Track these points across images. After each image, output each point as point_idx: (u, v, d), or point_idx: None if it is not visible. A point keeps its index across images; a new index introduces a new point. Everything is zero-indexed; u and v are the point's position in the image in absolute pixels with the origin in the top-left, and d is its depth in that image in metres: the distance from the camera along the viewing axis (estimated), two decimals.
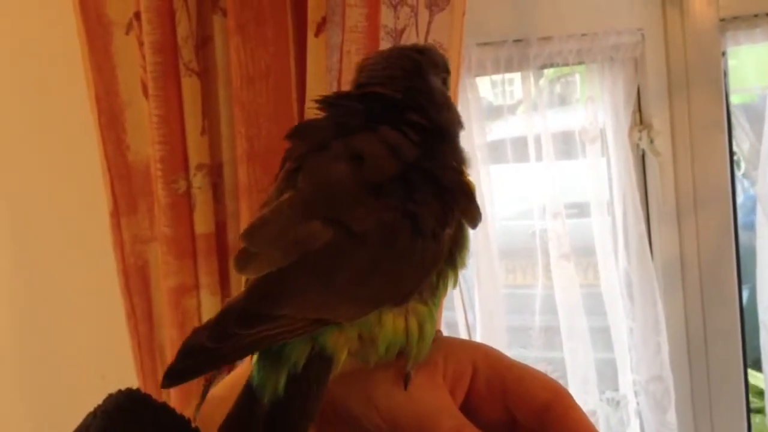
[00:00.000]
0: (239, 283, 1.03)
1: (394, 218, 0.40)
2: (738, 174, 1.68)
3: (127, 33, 1.03)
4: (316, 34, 0.93)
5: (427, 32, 0.96)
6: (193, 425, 0.41)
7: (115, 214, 1.08)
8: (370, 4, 0.91)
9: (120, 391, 0.42)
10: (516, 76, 1.56)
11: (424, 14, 0.96)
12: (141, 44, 0.99)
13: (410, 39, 0.97)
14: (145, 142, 1.06)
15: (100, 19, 1.01)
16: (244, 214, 0.99)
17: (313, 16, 0.93)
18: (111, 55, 1.03)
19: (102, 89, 1.03)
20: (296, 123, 0.97)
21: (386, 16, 0.96)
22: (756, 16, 1.56)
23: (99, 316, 1.23)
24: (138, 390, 0.43)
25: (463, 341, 0.46)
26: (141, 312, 1.11)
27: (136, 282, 1.10)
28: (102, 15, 1.01)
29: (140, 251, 1.10)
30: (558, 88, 1.74)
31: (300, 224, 0.40)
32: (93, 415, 0.41)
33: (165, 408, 0.42)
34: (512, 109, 1.62)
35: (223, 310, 0.39)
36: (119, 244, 1.09)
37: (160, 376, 1.14)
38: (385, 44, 0.97)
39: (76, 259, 1.24)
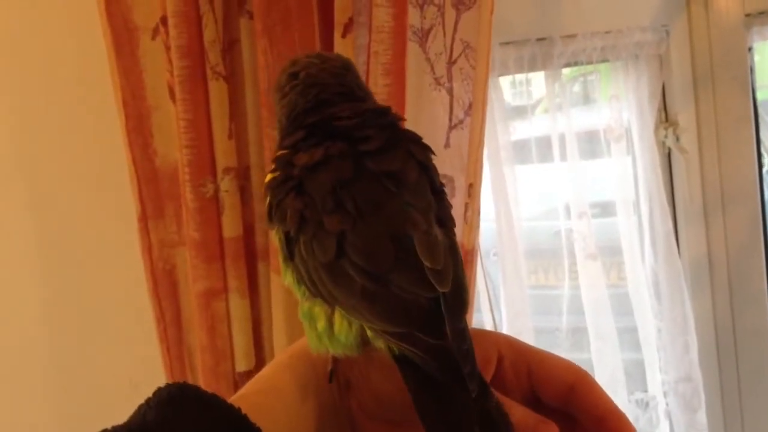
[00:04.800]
0: (268, 286, 1.03)
1: None
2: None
3: (153, 38, 1.03)
4: (343, 35, 0.92)
5: (455, 31, 0.96)
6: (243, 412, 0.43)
7: (143, 218, 1.08)
8: (397, 4, 0.91)
9: (169, 384, 0.44)
10: (533, 76, 1.54)
11: (451, 13, 0.96)
12: (168, 49, 0.99)
13: (437, 38, 0.97)
14: (171, 146, 1.06)
15: (126, 25, 1.01)
16: None
17: (339, 17, 0.92)
18: (137, 59, 1.04)
19: (129, 94, 1.03)
20: None
21: (412, 16, 0.96)
22: None
23: (128, 320, 1.23)
24: (187, 383, 0.44)
25: (486, 331, 0.50)
26: (170, 316, 1.11)
27: (164, 286, 1.10)
28: (128, 20, 1.01)
29: (168, 255, 1.10)
30: (576, 87, 1.73)
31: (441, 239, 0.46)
32: (146, 406, 0.42)
33: (215, 398, 0.43)
34: (531, 109, 1.61)
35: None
36: (147, 249, 1.09)
37: (189, 380, 1.15)
38: (411, 44, 0.96)
39: (104, 264, 1.24)
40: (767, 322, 1.64)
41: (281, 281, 1.01)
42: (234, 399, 0.45)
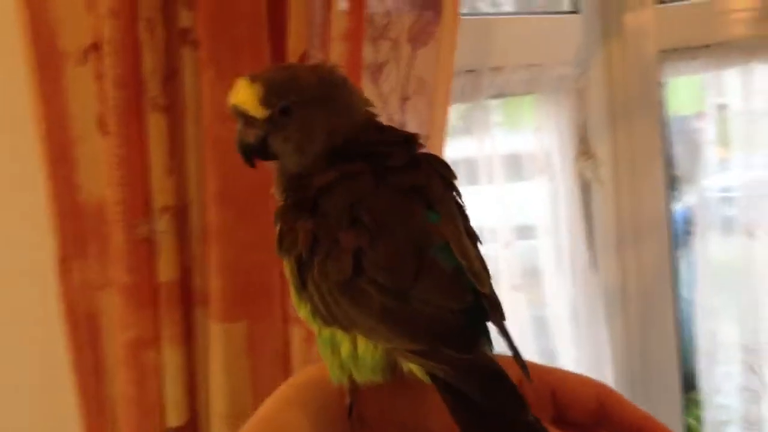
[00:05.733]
0: (205, 334, 0.96)
1: None
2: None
3: (81, 64, 0.94)
4: None
5: (409, 67, 0.93)
6: None
7: (64, 258, 0.99)
8: (352, 38, 0.86)
9: None
10: None
11: (405, 49, 0.92)
12: (99, 77, 0.91)
13: (390, 75, 0.93)
14: (97, 181, 0.97)
15: (52, 50, 0.92)
16: (214, 258, 0.91)
17: (294, 49, 0.87)
18: (63, 87, 0.94)
19: (52, 123, 0.94)
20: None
21: (365, 50, 0.92)
22: (694, 48, 1.60)
23: (42, 369, 1.12)
24: None
25: (501, 354, 0.48)
26: (90, 365, 1.02)
27: (85, 332, 1.01)
28: (54, 45, 0.92)
29: (91, 298, 1.01)
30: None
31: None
32: None
33: None
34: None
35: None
36: (67, 292, 1.00)
37: None
38: (364, 80, 0.92)
39: (18, 307, 1.12)
40: (675, 350, 1.70)
41: (220, 329, 0.95)
42: None
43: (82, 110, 0.95)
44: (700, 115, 1.72)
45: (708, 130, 1.63)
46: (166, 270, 0.94)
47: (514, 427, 0.39)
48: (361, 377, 0.45)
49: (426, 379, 0.42)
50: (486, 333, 0.43)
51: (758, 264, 1.62)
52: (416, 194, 0.45)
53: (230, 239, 0.90)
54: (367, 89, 0.93)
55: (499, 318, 0.43)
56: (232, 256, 0.90)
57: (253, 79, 0.49)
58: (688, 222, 1.77)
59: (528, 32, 1.53)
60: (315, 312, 0.46)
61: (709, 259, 1.65)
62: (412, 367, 0.43)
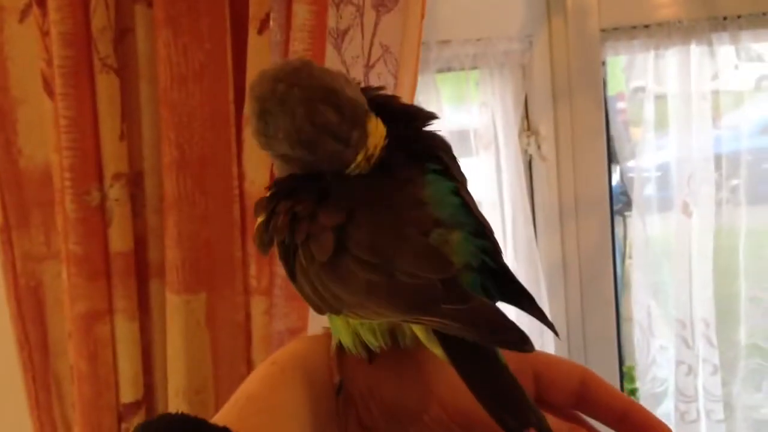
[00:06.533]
0: (161, 307, 0.92)
1: None
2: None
3: (21, 21, 0.89)
4: (260, 32, 0.84)
5: (374, 34, 0.91)
6: None
7: (5, 228, 0.94)
8: (317, 1, 0.84)
9: (162, 415, 0.40)
10: None
11: (370, 14, 0.90)
12: (45, 34, 0.86)
13: (354, 40, 0.91)
14: (40, 145, 0.92)
15: None
16: (170, 229, 0.88)
17: (256, 12, 0.84)
18: (1, 45, 0.89)
19: None
20: (233, 128, 0.88)
21: (328, 15, 0.89)
22: (634, 27, 1.63)
23: None
24: (186, 414, 0.40)
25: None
26: (35, 340, 0.97)
27: (28, 305, 0.96)
28: None
29: (33, 270, 0.96)
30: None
31: None
32: None
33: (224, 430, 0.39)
34: None
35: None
36: (10, 264, 0.95)
37: (56, 412, 1.01)
38: (327, 45, 0.90)
39: None
40: (614, 323, 1.74)
41: (178, 301, 0.91)
42: (231, 423, 0.40)
43: (24, 71, 0.90)
44: (623, 95, 1.75)
45: (639, 110, 1.66)
46: (119, 240, 0.90)
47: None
48: (369, 341, 0.45)
49: (426, 338, 0.42)
50: (494, 291, 0.43)
51: (692, 240, 1.67)
52: (432, 159, 0.45)
53: (188, 209, 0.87)
54: (330, 56, 0.91)
55: (513, 275, 0.44)
56: (191, 226, 0.87)
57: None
58: (621, 199, 1.81)
59: (475, 6, 1.53)
60: (307, 300, 0.45)
61: (643, 234, 1.69)
62: (414, 328, 0.43)
